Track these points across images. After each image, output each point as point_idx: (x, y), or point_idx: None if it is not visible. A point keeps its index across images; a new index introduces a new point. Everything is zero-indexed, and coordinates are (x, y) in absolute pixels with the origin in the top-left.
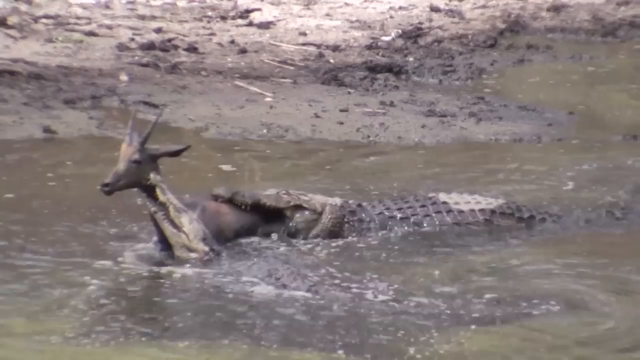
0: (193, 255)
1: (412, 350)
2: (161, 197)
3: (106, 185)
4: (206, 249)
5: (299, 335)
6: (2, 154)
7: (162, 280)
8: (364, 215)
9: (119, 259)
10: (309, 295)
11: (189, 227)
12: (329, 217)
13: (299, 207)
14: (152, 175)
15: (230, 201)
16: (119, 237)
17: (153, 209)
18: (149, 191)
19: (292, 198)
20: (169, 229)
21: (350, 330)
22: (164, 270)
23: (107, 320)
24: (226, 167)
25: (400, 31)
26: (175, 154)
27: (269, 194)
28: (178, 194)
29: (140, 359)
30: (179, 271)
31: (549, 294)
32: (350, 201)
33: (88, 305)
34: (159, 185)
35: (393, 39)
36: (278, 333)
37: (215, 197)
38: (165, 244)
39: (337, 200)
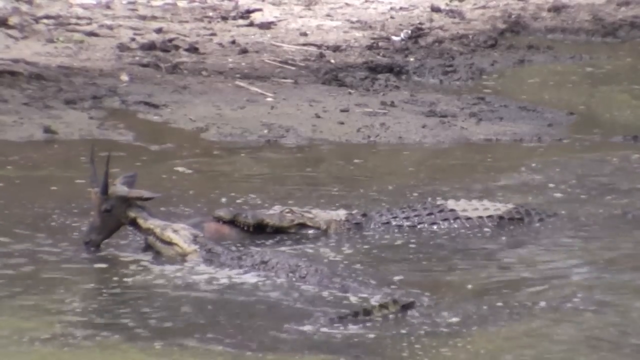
0: (191, 258)
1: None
2: (144, 225)
3: (88, 242)
4: (196, 247)
5: (292, 340)
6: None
7: (158, 280)
8: (370, 225)
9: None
10: (328, 295)
11: (177, 237)
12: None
13: (303, 226)
14: (128, 213)
15: (232, 222)
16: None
17: (144, 236)
18: (133, 222)
19: (295, 217)
20: (162, 247)
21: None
22: (163, 269)
23: (90, 320)
24: (181, 169)
25: (409, 31)
26: (146, 199)
27: (272, 213)
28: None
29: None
30: (172, 270)
31: (562, 295)
32: (355, 211)
33: (69, 306)
34: (138, 217)
35: (403, 40)
36: (269, 336)
37: (217, 219)
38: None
39: (342, 214)
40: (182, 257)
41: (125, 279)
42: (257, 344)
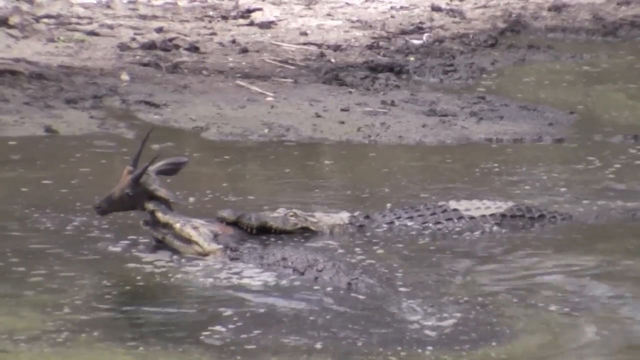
0: (210, 258)
1: None
2: (162, 219)
3: (98, 207)
4: (220, 246)
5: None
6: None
7: (150, 281)
8: (374, 227)
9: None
10: (346, 292)
11: (196, 235)
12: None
13: (306, 230)
14: (147, 205)
15: (236, 223)
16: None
17: (160, 236)
18: (151, 215)
19: (299, 220)
20: (180, 246)
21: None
22: (156, 268)
23: (77, 320)
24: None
25: (431, 34)
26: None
27: (276, 215)
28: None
29: None
30: (165, 270)
31: (567, 300)
32: (357, 213)
33: (58, 306)
34: (157, 210)
35: (424, 43)
36: (263, 340)
37: (221, 220)
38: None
39: (345, 216)
40: (201, 255)
41: (117, 279)
42: (247, 348)
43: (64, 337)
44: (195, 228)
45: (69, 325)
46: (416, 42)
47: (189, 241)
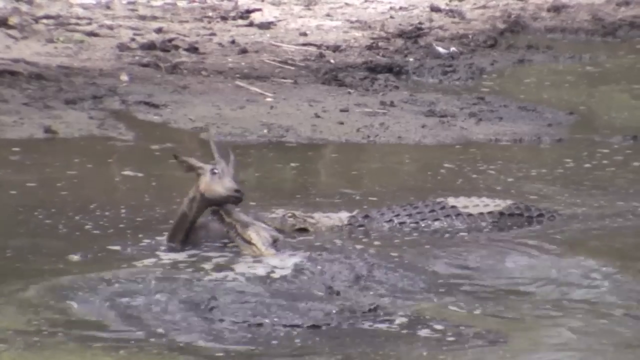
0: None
1: None
2: (227, 219)
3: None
4: (274, 252)
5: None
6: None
7: (138, 282)
8: (373, 225)
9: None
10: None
11: (257, 238)
12: None
13: (305, 231)
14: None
15: None
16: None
17: (225, 228)
18: (216, 214)
19: (297, 221)
20: (241, 244)
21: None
22: (143, 268)
23: (57, 321)
24: (127, 172)
25: (456, 50)
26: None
27: (274, 216)
28: None
29: None
30: (151, 271)
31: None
32: (356, 212)
33: (38, 306)
34: (220, 209)
35: (449, 53)
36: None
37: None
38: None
39: (344, 217)
40: (258, 257)
41: (112, 279)
42: (237, 351)
43: (45, 337)
44: (256, 232)
45: (53, 325)
46: (442, 50)
47: (249, 242)
